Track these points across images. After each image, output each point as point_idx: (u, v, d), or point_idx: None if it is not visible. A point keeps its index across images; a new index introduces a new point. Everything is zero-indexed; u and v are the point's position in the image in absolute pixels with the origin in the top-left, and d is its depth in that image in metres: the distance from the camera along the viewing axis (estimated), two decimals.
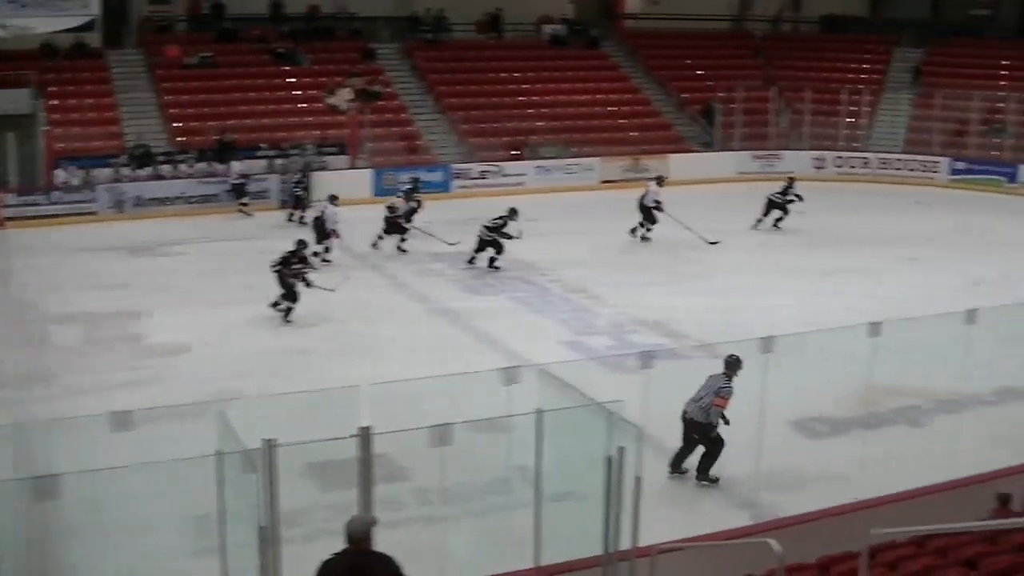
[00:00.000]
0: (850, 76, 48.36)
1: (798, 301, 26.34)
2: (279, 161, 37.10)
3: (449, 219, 32.79)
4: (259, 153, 37.39)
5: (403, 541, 11.25)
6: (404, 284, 27.60)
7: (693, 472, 16.53)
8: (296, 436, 10.16)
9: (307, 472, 13.69)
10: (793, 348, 17.18)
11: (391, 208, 31.19)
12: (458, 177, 38.85)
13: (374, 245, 30.96)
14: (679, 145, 43.97)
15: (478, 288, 27.30)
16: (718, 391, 16.38)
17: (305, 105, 41.14)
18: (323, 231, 29.51)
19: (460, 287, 27.38)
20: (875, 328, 15.45)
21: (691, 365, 20.56)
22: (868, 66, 49.78)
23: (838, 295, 26.83)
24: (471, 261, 29.15)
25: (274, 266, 24.28)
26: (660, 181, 33.14)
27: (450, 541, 13.71)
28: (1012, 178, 42.79)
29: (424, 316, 25.18)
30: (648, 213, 32.40)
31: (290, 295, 24.13)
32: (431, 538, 13.53)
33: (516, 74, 44.85)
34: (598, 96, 45.33)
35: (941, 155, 44.46)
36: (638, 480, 11.10)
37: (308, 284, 24.24)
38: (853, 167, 44.25)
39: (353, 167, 38.25)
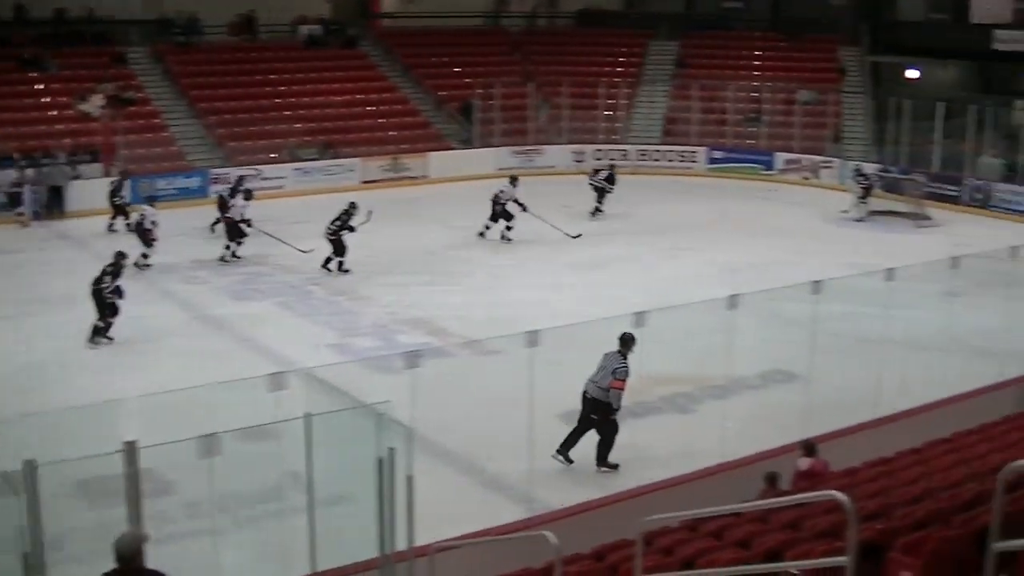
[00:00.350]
0: (607, 70, 49.01)
1: (565, 294, 26.62)
2: (29, 171, 35.89)
3: (207, 225, 32.45)
4: (9, 163, 36.11)
5: (175, 556, 11.03)
6: (169, 292, 27.04)
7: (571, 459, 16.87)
8: (62, 454, 9.89)
9: (75, 491, 13.34)
10: (560, 341, 17.31)
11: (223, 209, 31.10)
12: (216, 182, 38.08)
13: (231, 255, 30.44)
14: (439, 143, 43.98)
15: (244, 294, 26.92)
16: (615, 372, 16.81)
17: (55, 112, 39.96)
18: (146, 236, 29.31)
19: (226, 294, 26.95)
20: (641, 318, 15.64)
21: (458, 362, 20.72)
22: (624, 59, 50.45)
23: (605, 286, 27.20)
24: (326, 266, 28.86)
25: (93, 286, 23.19)
26: (514, 181, 33.24)
27: (223, 553, 13.47)
28: (769, 166, 43.95)
29: (190, 324, 24.71)
30: (505, 213, 32.53)
31: (110, 311, 23.14)
32: (204, 551, 13.27)
33: (272, 76, 44.21)
34: (357, 96, 45.08)
35: (699, 145, 45.44)
36: (410, 479, 11.05)
37: (120, 296, 23.35)
38: (613, 159, 44.72)
39: (107, 175, 37.27)
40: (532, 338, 14.68)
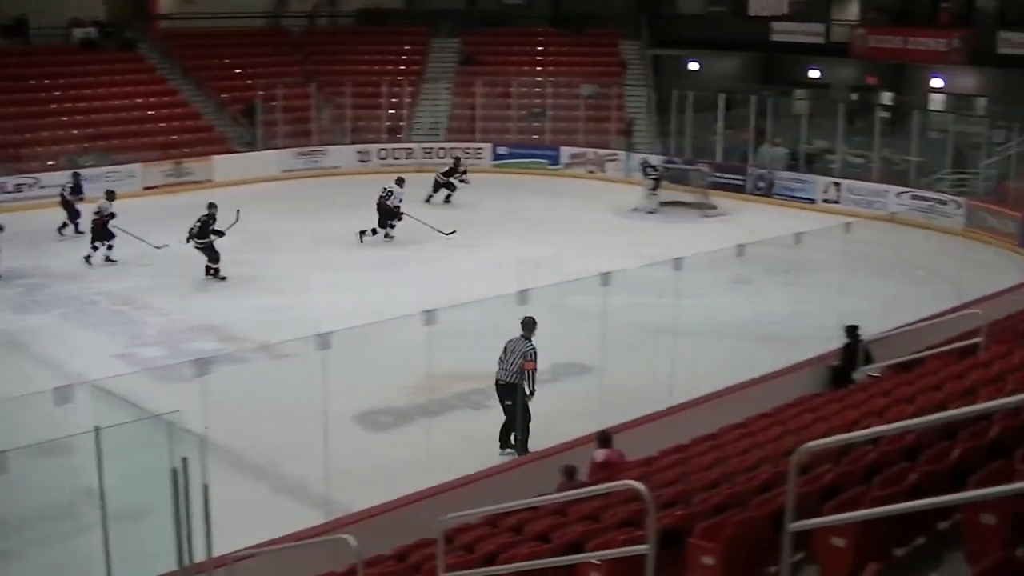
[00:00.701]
0: (389, 68, 48.93)
1: (356, 294, 26.49)
2: None
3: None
4: None
5: None
6: None
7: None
8: None
9: None
10: (352, 342, 17.20)
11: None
12: None
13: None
14: (222, 146, 43.34)
15: (25, 306, 26.16)
16: (525, 355, 17.67)
17: None
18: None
19: (6, 306, 26.18)
20: (430, 316, 15.61)
21: (250, 368, 20.46)
22: (407, 58, 50.41)
23: (396, 285, 27.15)
24: (210, 274, 28.27)
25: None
26: (401, 182, 33.09)
27: (15, 575, 13.14)
28: (555, 160, 44.25)
29: None
30: (391, 214, 32.34)
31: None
32: None
33: (47, 80, 43.01)
34: (136, 100, 44.08)
35: (484, 142, 45.55)
36: (206, 489, 10.87)
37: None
38: (397, 158, 44.70)
39: None
40: (324, 340, 14.56)
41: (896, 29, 45.12)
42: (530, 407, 17.77)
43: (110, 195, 30.93)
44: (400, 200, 32.72)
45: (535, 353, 17.79)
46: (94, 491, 11.65)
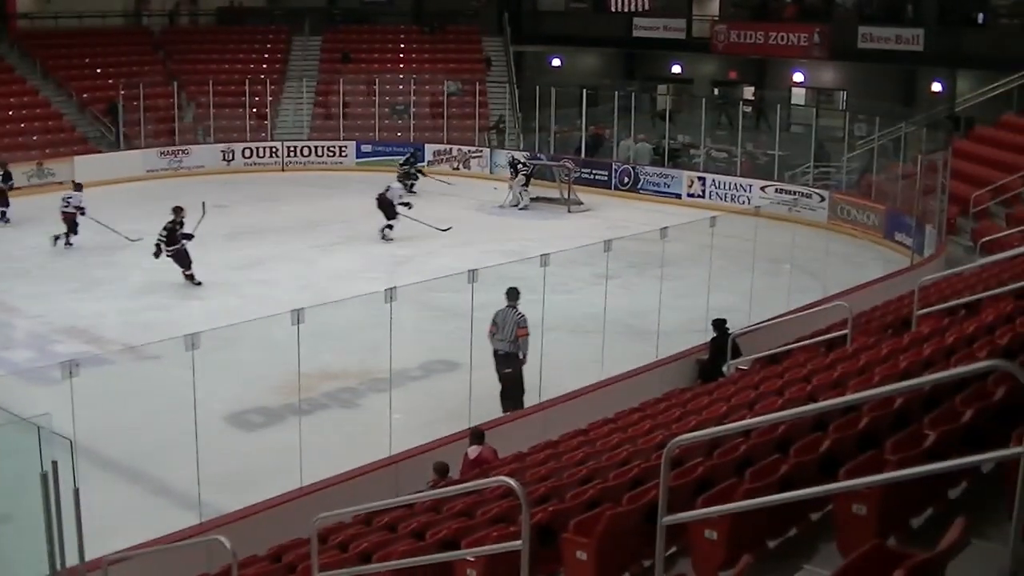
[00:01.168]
0: (252, 67, 48.58)
1: (223, 294, 26.32)
2: None
3: None
4: None
5: None
6: None
7: None
8: None
9: None
10: (220, 342, 17.10)
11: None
12: None
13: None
14: (84, 146, 42.79)
15: None
16: (518, 323, 18.82)
17: None
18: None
19: None
20: (299, 315, 15.54)
21: (118, 370, 20.24)
22: (268, 56, 50.14)
23: (263, 284, 27.00)
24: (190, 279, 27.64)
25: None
26: (79, 187, 32.32)
27: None
28: (419, 158, 44.17)
29: None
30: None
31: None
32: None
33: None
34: None
35: (348, 139, 45.38)
36: (76, 493, 10.75)
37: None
38: (262, 157, 44.47)
39: None
40: (192, 341, 14.44)
41: (756, 24, 45.71)
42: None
43: (78, 187, 31.47)
44: (400, 196, 33.02)
45: (526, 320, 18.90)
46: None
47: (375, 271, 27.61)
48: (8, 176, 34.66)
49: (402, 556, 9.68)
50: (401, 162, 39.61)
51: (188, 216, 27.44)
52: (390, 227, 32.58)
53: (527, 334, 18.91)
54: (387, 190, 32.76)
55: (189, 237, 27.35)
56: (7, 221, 32.87)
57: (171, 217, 27.35)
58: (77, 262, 29.72)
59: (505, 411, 18.62)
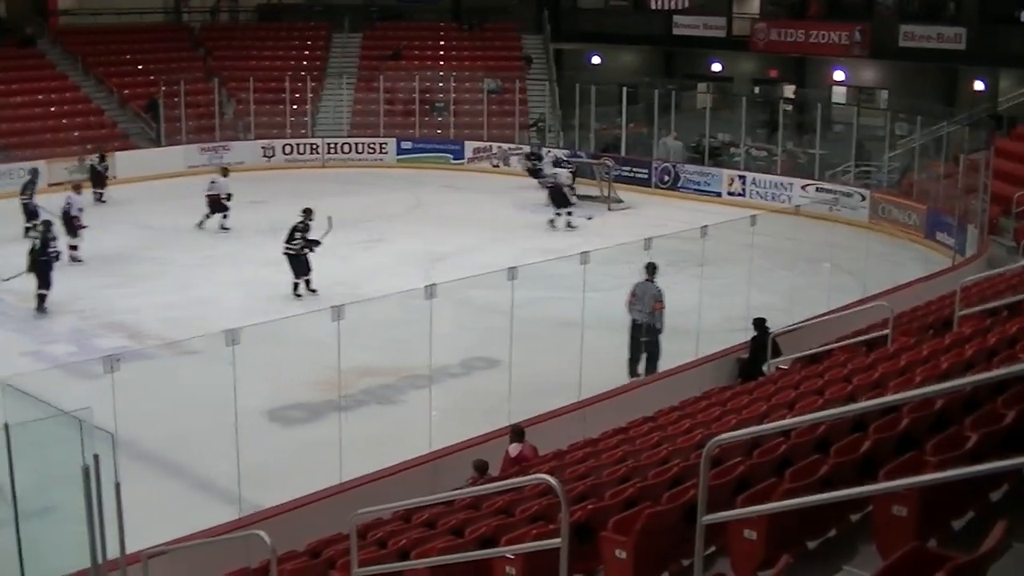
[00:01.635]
0: (292, 64, 48.62)
1: (261, 290, 26.36)
2: None
3: None
4: None
5: None
6: None
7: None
8: None
9: None
10: (261, 338, 17.15)
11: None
12: None
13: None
14: (124, 142, 42.95)
15: None
16: (656, 296, 20.46)
17: None
18: (72, 223, 29.56)
19: None
20: (339, 311, 15.58)
21: (159, 364, 20.31)
22: (308, 53, 50.22)
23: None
24: (297, 292, 26.82)
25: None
26: (225, 172, 33.25)
27: None
28: (458, 155, 44.21)
29: None
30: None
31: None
32: None
33: None
34: (38, 97, 43.69)
35: (388, 136, 45.42)
36: (117, 486, 10.80)
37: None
38: (302, 154, 44.57)
39: None
40: (233, 336, 14.49)
41: (797, 22, 45.54)
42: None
43: (224, 172, 32.79)
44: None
45: (663, 294, 20.60)
46: (4, 489, 11.54)
47: (413, 268, 27.62)
48: (103, 158, 36.29)
49: (441, 553, 9.70)
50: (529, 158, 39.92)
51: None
52: (570, 214, 33.87)
53: (663, 307, 20.59)
54: (554, 177, 34.03)
55: (314, 244, 26.46)
56: (103, 201, 33.56)
57: (300, 218, 26.65)
58: (120, 258, 29.83)
59: (633, 375, 20.44)
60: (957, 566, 5.72)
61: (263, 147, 44.30)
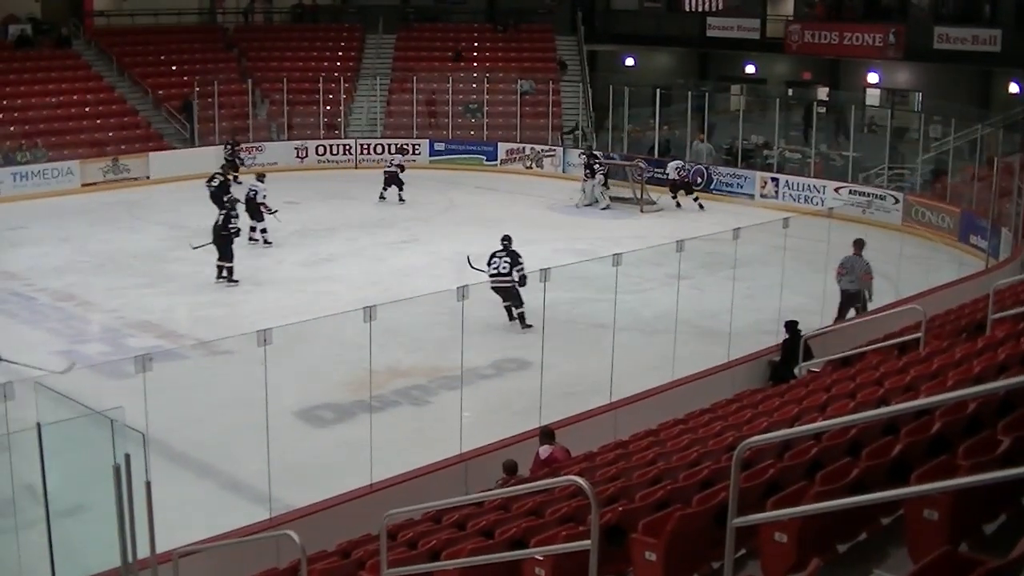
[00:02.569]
0: (326, 65, 48.74)
1: (294, 290, 26.44)
2: None
3: None
4: None
5: None
6: None
7: None
8: None
9: None
10: (294, 338, 17.20)
11: None
12: None
13: None
14: (159, 143, 43.15)
15: None
16: (866, 270, 23.01)
17: None
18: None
19: None
20: (371, 312, 15.59)
21: (191, 364, 20.38)
22: (342, 54, 50.31)
23: (334, 281, 27.10)
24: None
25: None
26: (261, 176, 32.95)
27: None
28: (491, 156, 44.20)
29: None
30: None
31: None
32: None
33: None
34: (73, 97, 43.87)
35: (420, 138, 45.46)
36: (148, 485, 10.84)
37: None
38: (335, 155, 44.66)
39: None
40: (264, 336, 14.51)
41: (831, 24, 45.39)
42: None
43: (260, 177, 32.34)
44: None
45: (871, 267, 23.06)
46: (35, 488, 11.60)
47: (444, 269, 27.62)
48: (235, 144, 38.38)
49: (471, 554, 9.69)
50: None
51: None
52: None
53: (872, 279, 23.03)
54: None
55: (522, 282, 24.08)
56: (240, 183, 33.65)
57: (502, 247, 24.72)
58: (153, 258, 29.94)
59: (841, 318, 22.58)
60: (989, 570, 5.69)
61: (296, 148, 44.39)
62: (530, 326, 23.11)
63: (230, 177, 32.53)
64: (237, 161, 39.39)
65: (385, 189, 36.55)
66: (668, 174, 38.15)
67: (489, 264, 23.97)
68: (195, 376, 19.73)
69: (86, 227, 33.19)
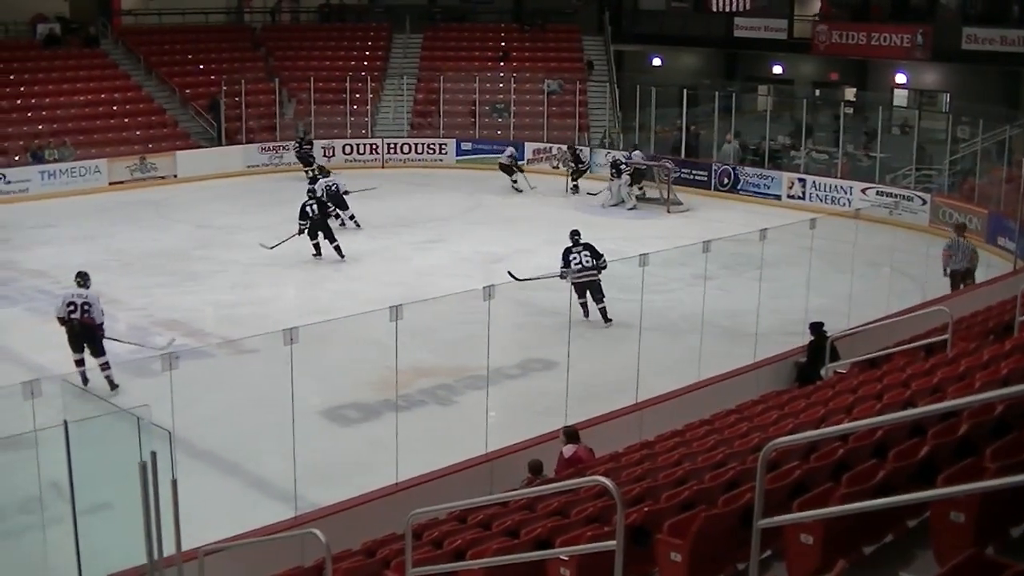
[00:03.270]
0: (352, 64, 48.79)
1: (320, 290, 26.49)
2: None
3: None
4: None
5: None
6: None
7: None
8: None
9: None
10: (319, 337, 17.21)
11: None
12: None
13: None
14: (186, 142, 43.27)
15: None
16: (974, 250, 25.83)
17: None
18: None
19: None
20: (397, 311, 15.60)
21: (217, 363, 20.43)
22: (369, 53, 50.36)
23: (359, 280, 27.13)
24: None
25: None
26: (325, 172, 34.28)
27: None
28: (519, 156, 44.05)
29: None
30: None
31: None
32: None
33: (11, 76, 42.80)
34: (101, 96, 43.98)
35: (447, 137, 45.49)
36: (174, 483, 10.84)
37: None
38: (362, 154, 44.71)
39: None
40: (290, 335, 14.52)
41: (858, 25, 45.26)
42: None
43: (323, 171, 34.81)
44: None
45: (976, 248, 25.84)
46: (61, 485, 11.63)
47: (469, 269, 27.64)
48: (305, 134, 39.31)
49: (496, 554, 9.69)
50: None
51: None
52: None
53: (978, 257, 25.71)
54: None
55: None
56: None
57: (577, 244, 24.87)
58: (180, 256, 30.02)
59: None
60: (1015, 573, 5.67)
61: (323, 147, 44.41)
62: (610, 321, 23.44)
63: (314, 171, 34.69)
64: (309, 157, 40.53)
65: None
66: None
67: (567, 263, 23.94)
68: (221, 374, 19.78)
69: (113, 225, 33.28)
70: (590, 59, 49.22)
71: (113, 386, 19.57)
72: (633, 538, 8.69)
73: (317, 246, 29.35)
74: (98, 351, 20.00)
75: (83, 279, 20.47)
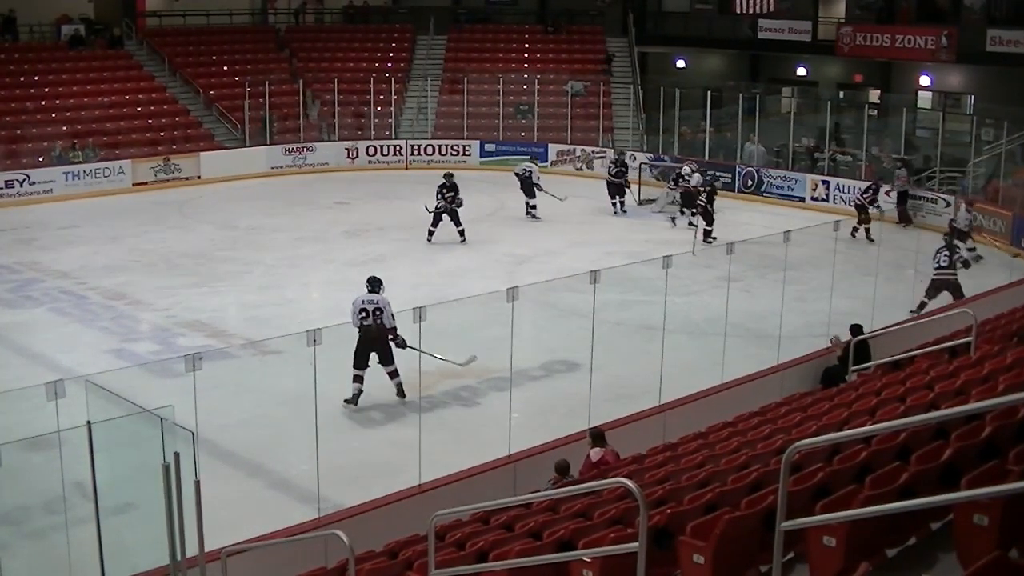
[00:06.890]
0: (377, 65, 48.82)
1: (343, 291, 26.44)
2: None
3: None
4: None
5: None
6: None
7: None
8: None
9: None
10: (343, 338, 17.21)
11: None
12: None
13: None
14: (210, 143, 43.35)
15: (16, 301, 26.08)
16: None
17: None
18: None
19: None
20: (420, 312, 15.60)
21: (240, 364, 20.47)
22: (393, 55, 50.38)
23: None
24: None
25: None
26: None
27: (8, 568, 13.10)
28: (541, 157, 44.06)
29: None
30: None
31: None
32: None
33: (36, 77, 42.93)
34: (125, 97, 44.06)
35: (471, 139, 45.51)
36: (197, 484, 10.86)
37: None
38: (386, 155, 44.74)
39: None
40: (314, 336, 14.53)
41: (883, 26, 45.15)
42: None
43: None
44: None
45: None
46: (84, 485, 11.66)
47: (494, 270, 27.67)
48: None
49: (518, 555, 9.69)
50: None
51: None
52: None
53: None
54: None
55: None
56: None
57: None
58: (204, 257, 30.07)
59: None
60: None
61: (347, 148, 44.50)
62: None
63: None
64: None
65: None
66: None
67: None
68: (245, 375, 19.82)
69: (137, 226, 33.36)
70: (610, 53, 49.14)
71: (402, 394, 19.61)
72: (656, 540, 8.69)
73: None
74: (387, 359, 19.80)
75: (373, 284, 20.20)
